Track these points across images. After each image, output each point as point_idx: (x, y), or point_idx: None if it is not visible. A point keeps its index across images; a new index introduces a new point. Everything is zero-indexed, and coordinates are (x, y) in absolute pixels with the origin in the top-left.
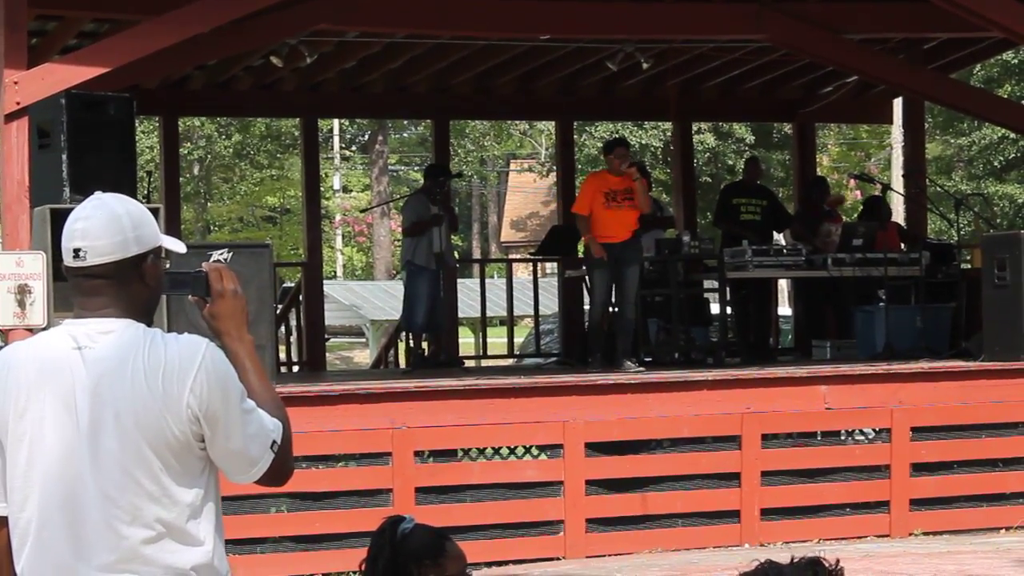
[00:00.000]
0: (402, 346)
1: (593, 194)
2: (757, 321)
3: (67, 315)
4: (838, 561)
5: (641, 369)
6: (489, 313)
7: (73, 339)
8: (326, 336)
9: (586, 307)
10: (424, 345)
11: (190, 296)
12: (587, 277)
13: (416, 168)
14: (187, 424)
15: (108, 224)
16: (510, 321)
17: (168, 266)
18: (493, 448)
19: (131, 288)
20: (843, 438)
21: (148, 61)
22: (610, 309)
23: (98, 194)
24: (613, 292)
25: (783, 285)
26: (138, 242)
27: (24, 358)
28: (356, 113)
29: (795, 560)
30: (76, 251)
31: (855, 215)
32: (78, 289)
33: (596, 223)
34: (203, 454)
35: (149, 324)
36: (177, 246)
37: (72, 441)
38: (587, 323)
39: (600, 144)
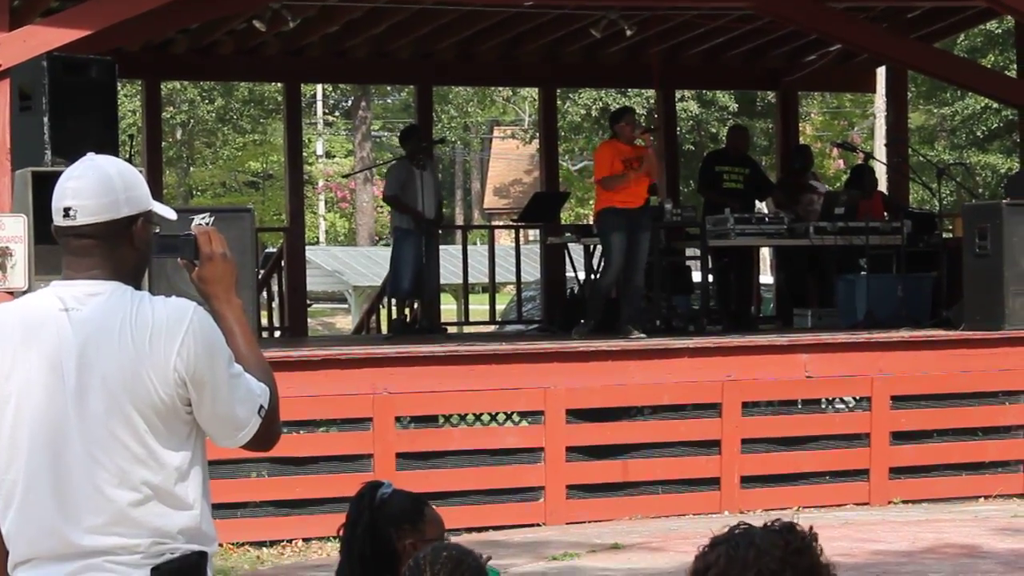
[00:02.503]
0: (384, 312)
1: (612, 159)
2: (739, 289)
3: (49, 278)
4: (811, 528)
5: (643, 336)
6: (471, 280)
7: (60, 301)
8: (308, 302)
9: (568, 274)
10: (407, 311)
11: (179, 259)
12: (602, 243)
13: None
14: (174, 387)
15: (100, 184)
16: (492, 288)
17: (157, 230)
18: (474, 414)
19: (120, 250)
20: (823, 406)
21: (130, 24)
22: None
23: (91, 155)
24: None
25: (765, 253)
26: (129, 204)
27: (11, 319)
28: (339, 78)
29: (768, 525)
30: (67, 210)
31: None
32: (67, 249)
33: (615, 190)
34: (190, 418)
35: (137, 287)
36: (168, 212)
37: (59, 403)
38: (594, 288)
39: (583, 112)
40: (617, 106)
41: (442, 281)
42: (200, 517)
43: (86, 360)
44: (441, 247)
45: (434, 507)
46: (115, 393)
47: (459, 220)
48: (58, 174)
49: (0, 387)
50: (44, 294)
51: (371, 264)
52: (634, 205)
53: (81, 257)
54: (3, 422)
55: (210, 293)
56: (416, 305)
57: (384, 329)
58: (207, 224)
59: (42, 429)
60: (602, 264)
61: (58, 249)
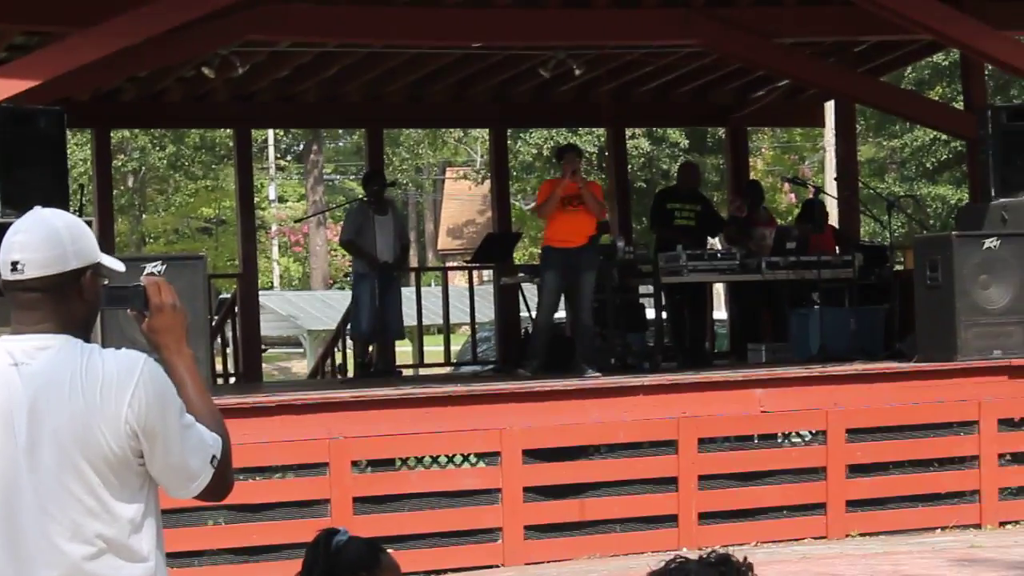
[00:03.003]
0: (339, 355)
1: (550, 195)
2: (692, 325)
3: (3, 330)
4: (746, 558)
5: (598, 375)
6: (426, 321)
7: (10, 355)
8: (263, 347)
9: (523, 314)
10: (370, 350)
11: (129, 310)
12: (540, 280)
13: (351, 177)
14: (125, 439)
15: (47, 238)
16: (446, 329)
17: (106, 282)
18: (431, 457)
19: (69, 303)
20: (779, 441)
21: (79, 74)
22: (556, 316)
23: (37, 208)
24: (562, 298)
25: (718, 289)
26: (77, 256)
27: None
28: (289, 123)
29: (703, 557)
30: (14, 264)
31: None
32: (15, 303)
33: (551, 227)
34: (142, 470)
35: (87, 340)
36: (116, 264)
37: (10, 457)
38: (531, 327)
39: (534, 151)
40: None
41: None
42: (155, 568)
43: (37, 414)
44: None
45: (391, 553)
46: (66, 446)
47: (413, 262)
48: (7, 226)
49: None
50: None
51: (325, 308)
52: (573, 244)
53: (30, 311)
54: None
55: (160, 343)
56: (372, 348)
57: (339, 373)
58: (159, 273)
59: None
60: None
61: (6, 302)
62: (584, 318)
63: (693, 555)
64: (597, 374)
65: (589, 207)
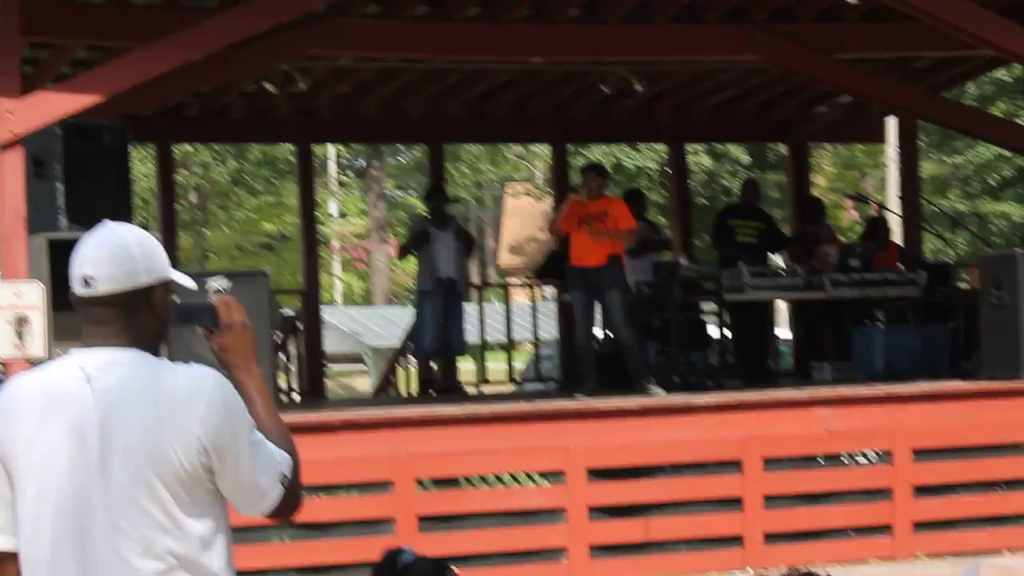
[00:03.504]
0: (402, 372)
1: (569, 216)
2: (756, 344)
3: (66, 345)
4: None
5: (660, 391)
6: (488, 339)
7: (82, 370)
8: (326, 363)
9: None
10: (434, 367)
11: (198, 328)
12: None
13: (412, 193)
14: (196, 455)
15: (118, 253)
16: (509, 347)
17: (177, 299)
18: (495, 475)
19: (140, 318)
20: (845, 461)
21: (142, 88)
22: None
23: (108, 222)
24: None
25: (781, 307)
26: (148, 272)
27: (32, 390)
28: (350, 138)
29: (789, 573)
30: (86, 279)
31: (852, 236)
32: (87, 318)
33: (572, 245)
34: (212, 486)
35: (157, 354)
36: (186, 281)
37: (82, 473)
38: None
39: None
40: (630, 161)
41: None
42: None
43: (108, 430)
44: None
45: (457, 571)
46: (138, 462)
47: (475, 279)
48: (73, 240)
49: (23, 458)
50: (65, 363)
51: (388, 324)
52: (589, 264)
53: (101, 326)
54: (27, 493)
55: (230, 362)
56: (434, 365)
57: (402, 389)
58: (224, 288)
59: (66, 500)
60: None
61: (75, 316)
62: (622, 336)
63: (775, 573)
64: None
65: (614, 225)
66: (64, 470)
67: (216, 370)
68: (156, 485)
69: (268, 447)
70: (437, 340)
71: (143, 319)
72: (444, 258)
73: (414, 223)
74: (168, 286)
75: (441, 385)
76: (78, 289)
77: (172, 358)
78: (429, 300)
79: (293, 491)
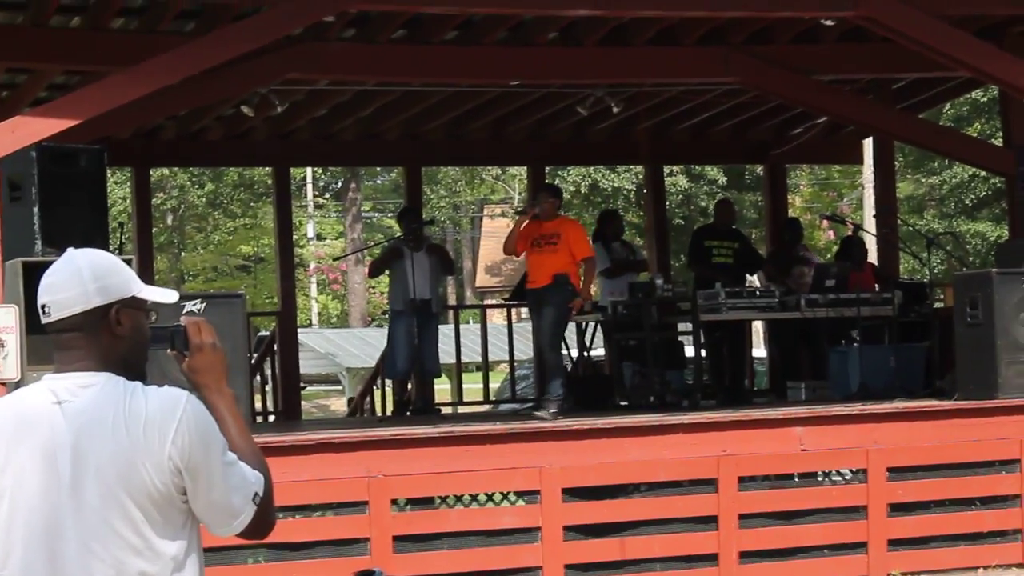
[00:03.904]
0: (378, 393)
1: (523, 236)
2: (732, 363)
3: (41, 368)
4: None
5: (548, 417)
6: (464, 359)
7: (53, 393)
8: (302, 385)
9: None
10: (409, 387)
11: (169, 350)
12: None
13: (390, 215)
14: (169, 476)
15: (69, 278)
16: (485, 367)
17: (155, 317)
18: (470, 495)
19: (101, 340)
20: (820, 479)
21: (119, 112)
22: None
23: (70, 250)
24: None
25: (757, 327)
26: (100, 293)
27: (3, 413)
28: (328, 161)
29: None
30: (43, 307)
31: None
32: (55, 344)
33: (527, 266)
34: (185, 507)
35: (134, 377)
36: (160, 296)
37: (54, 496)
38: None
39: (572, 188)
40: (606, 182)
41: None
42: None
43: (80, 452)
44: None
45: None
46: (110, 484)
47: (451, 299)
48: (48, 264)
49: None
50: (37, 388)
51: (364, 345)
52: (538, 284)
53: (68, 351)
54: None
55: (201, 383)
56: (410, 386)
57: (378, 410)
58: (199, 311)
59: (37, 523)
60: None
61: (49, 339)
62: (544, 355)
63: None
64: (546, 414)
65: (568, 247)
66: (35, 493)
67: (187, 391)
68: (129, 506)
69: (240, 467)
70: (410, 362)
71: (104, 340)
72: (417, 279)
73: (388, 246)
74: (130, 304)
75: (416, 406)
76: (42, 317)
77: (148, 381)
78: (402, 321)
79: (265, 510)
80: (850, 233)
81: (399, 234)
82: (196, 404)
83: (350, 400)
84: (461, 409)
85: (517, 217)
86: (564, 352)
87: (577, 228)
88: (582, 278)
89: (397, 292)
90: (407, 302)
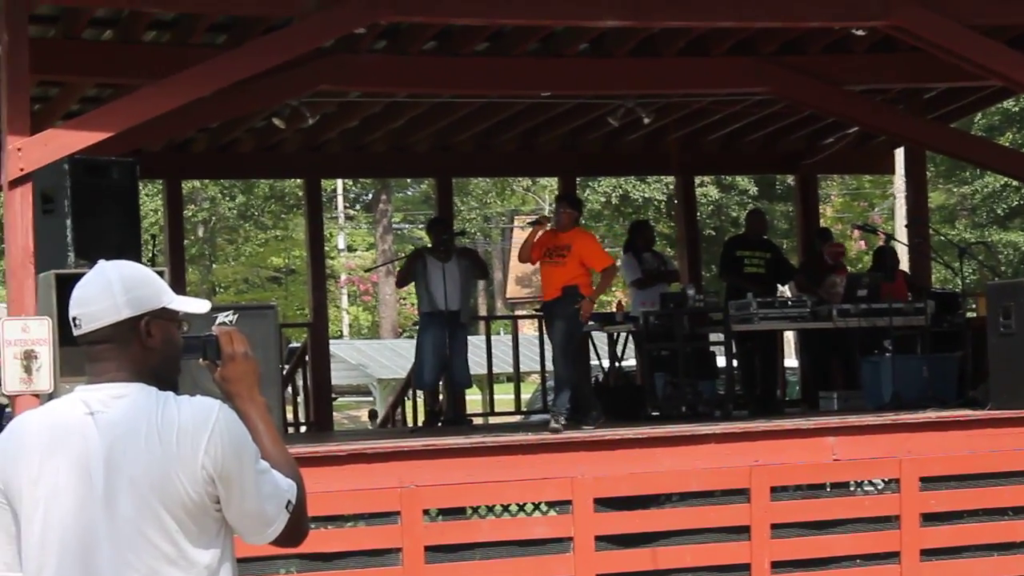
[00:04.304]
0: (409, 404)
1: (537, 246)
2: (763, 373)
3: (74, 380)
4: None
5: (558, 428)
6: (496, 370)
7: (85, 404)
8: (333, 396)
9: (593, 362)
10: (440, 398)
11: (200, 360)
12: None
13: (420, 226)
14: (202, 486)
15: (99, 291)
16: (516, 378)
17: (187, 328)
18: (502, 505)
19: (132, 351)
20: (852, 489)
21: (151, 125)
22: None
23: (101, 262)
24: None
25: (789, 337)
26: (131, 305)
27: (37, 425)
28: (359, 173)
29: None
30: (74, 319)
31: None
32: (87, 356)
33: (540, 279)
34: (219, 515)
35: (163, 387)
36: (193, 307)
37: (88, 506)
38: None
39: (603, 199)
40: (637, 192)
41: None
42: None
43: (113, 463)
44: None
45: None
46: (144, 494)
47: (482, 310)
48: (81, 275)
49: (29, 493)
50: (69, 399)
51: (395, 356)
52: (548, 297)
53: (100, 362)
54: (32, 528)
55: (233, 392)
56: (441, 397)
57: (410, 421)
58: (231, 322)
59: (72, 533)
60: None
61: (81, 351)
62: (557, 369)
63: None
64: (557, 427)
65: (581, 257)
66: (69, 505)
67: (220, 401)
68: (163, 516)
69: (273, 475)
70: (437, 373)
71: (135, 351)
72: (444, 290)
73: (413, 253)
74: (161, 315)
75: (447, 416)
76: (74, 330)
77: (180, 391)
78: (429, 333)
79: (299, 518)
80: (882, 243)
81: (427, 243)
82: (228, 413)
83: (371, 412)
84: (492, 420)
85: (532, 227)
86: (595, 363)
87: (590, 240)
88: (594, 287)
89: (423, 302)
90: (434, 313)
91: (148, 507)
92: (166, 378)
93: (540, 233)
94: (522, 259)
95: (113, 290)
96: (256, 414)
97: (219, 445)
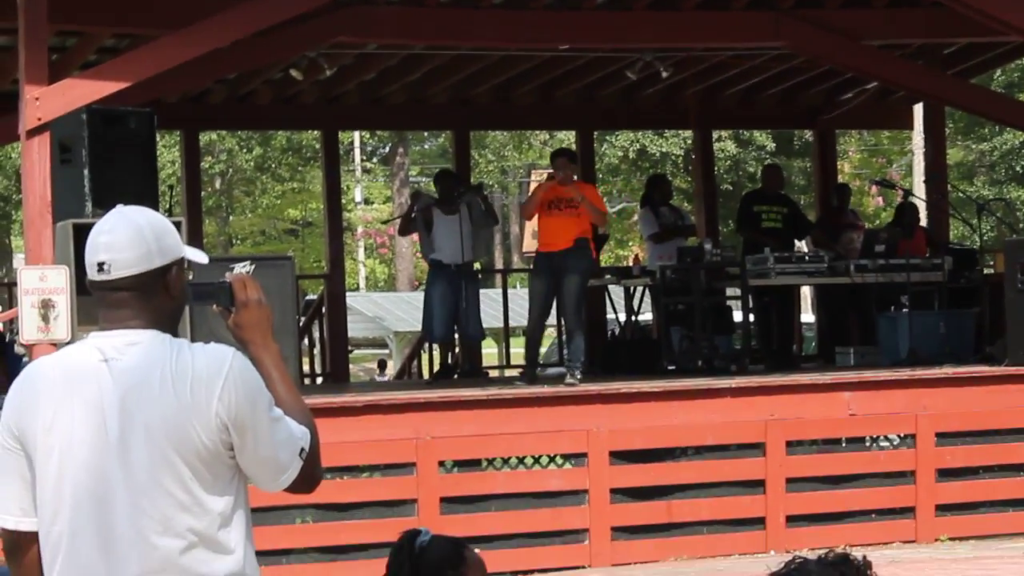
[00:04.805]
0: (425, 356)
1: (541, 201)
2: (780, 328)
3: (90, 328)
4: (865, 557)
5: (574, 382)
6: (512, 323)
7: (100, 351)
8: (349, 348)
9: (609, 316)
10: (455, 352)
11: (214, 306)
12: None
13: None
14: (216, 433)
15: (131, 237)
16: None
17: (191, 277)
18: (517, 457)
19: (156, 299)
20: (868, 444)
21: (168, 75)
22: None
23: (119, 207)
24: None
25: (805, 292)
26: (161, 254)
27: (51, 372)
28: (376, 125)
29: (822, 557)
30: (100, 265)
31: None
32: (103, 302)
33: (540, 232)
34: (232, 463)
35: (175, 334)
36: (199, 257)
37: (102, 453)
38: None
39: (620, 153)
40: (654, 148)
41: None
42: (243, 562)
43: (128, 410)
44: (481, 291)
45: (475, 550)
46: (158, 441)
47: (499, 264)
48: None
49: (43, 440)
50: (83, 345)
51: (411, 309)
52: (555, 248)
53: (118, 309)
54: (47, 474)
55: (247, 339)
56: (456, 350)
57: (426, 374)
58: (248, 271)
59: (86, 480)
60: None
61: (91, 301)
62: (568, 323)
63: (812, 555)
64: (575, 382)
65: (587, 212)
66: (84, 451)
67: (233, 348)
68: (177, 463)
69: (287, 422)
70: (447, 326)
71: (159, 300)
72: (451, 244)
73: (416, 200)
74: (182, 264)
75: (463, 369)
76: (93, 275)
77: (195, 338)
78: (436, 287)
79: (312, 465)
80: (900, 199)
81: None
82: (242, 360)
83: (380, 362)
84: (508, 372)
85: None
86: (611, 316)
87: (595, 190)
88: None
89: (432, 255)
90: (442, 266)
91: (162, 454)
92: (176, 326)
93: (542, 189)
94: (524, 214)
95: (145, 237)
96: (270, 361)
97: (233, 392)
